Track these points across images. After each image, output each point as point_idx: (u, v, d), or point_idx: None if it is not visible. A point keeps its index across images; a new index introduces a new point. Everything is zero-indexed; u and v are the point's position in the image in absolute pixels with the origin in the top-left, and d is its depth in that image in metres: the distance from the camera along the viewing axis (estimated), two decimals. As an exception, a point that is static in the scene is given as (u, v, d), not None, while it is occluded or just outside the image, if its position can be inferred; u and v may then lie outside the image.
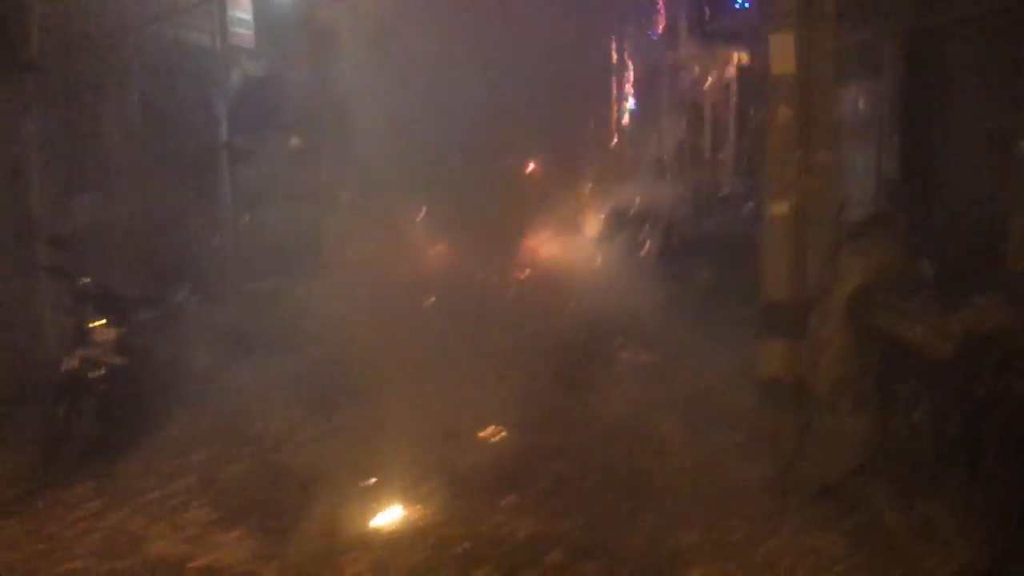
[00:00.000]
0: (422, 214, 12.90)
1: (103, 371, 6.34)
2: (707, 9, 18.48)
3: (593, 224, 16.78)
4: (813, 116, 6.02)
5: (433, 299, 9.91)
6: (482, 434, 6.84)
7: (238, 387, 7.97)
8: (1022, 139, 7.29)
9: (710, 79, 19.93)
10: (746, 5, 15.80)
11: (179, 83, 10.70)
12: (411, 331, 8.21)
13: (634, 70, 24.93)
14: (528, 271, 13.04)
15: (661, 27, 22.80)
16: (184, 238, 9.89)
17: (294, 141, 12.90)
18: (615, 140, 26.36)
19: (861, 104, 12.77)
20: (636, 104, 25.01)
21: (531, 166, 27.46)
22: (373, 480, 5.90)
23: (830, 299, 5.69)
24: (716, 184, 16.94)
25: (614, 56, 26.11)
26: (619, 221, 15.59)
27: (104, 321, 6.44)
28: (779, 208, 6.09)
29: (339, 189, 12.80)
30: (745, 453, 6.41)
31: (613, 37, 25.47)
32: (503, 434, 6.84)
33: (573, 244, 15.64)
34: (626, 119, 26.21)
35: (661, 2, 21.93)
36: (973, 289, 4.83)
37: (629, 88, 25.36)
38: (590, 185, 20.02)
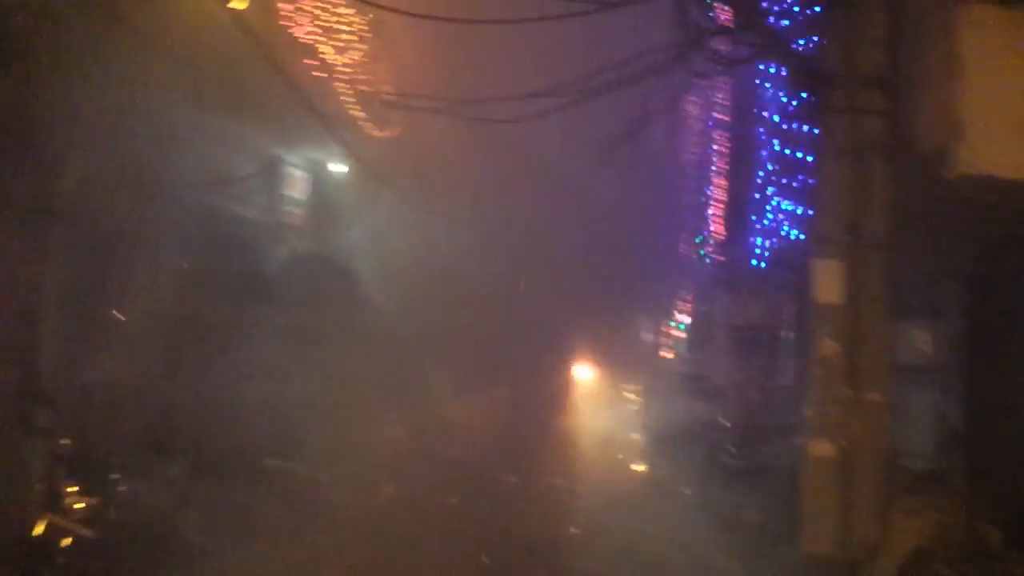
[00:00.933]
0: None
1: (70, 542, 5.76)
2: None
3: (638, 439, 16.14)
4: (862, 351, 5.47)
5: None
6: None
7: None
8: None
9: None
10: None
11: (222, 253, 10.70)
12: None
13: (687, 288, 24.88)
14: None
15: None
16: (197, 408, 9.49)
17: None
18: (669, 351, 25.97)
19: (924, 345, 12.17)
20: (691, 320, 24.81)
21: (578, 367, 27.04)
22: None
23: (880, 562, 4.91)
24: (772, 411, 16.19)
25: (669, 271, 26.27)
26: (664, 439, 14.89)
27: (77, 488, 5.92)
28: (820, 449, 5.44)
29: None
30: None
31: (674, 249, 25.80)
32: None
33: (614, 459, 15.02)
34: (681, 333, 25.90)
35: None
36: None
37: (683, 304, 25.23)
38: (638, 394, 19.47)
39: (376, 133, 14.00)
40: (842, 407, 5.44)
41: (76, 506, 5.88)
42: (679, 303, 25.92)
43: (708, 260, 22.59)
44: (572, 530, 10.02)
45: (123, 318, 8.65)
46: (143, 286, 9.26)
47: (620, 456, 14.54)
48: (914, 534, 4.74)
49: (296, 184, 13.25)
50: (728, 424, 13.49)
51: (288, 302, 12.06)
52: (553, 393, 19.86)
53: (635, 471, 13.49)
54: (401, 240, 14.31)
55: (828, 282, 5.65)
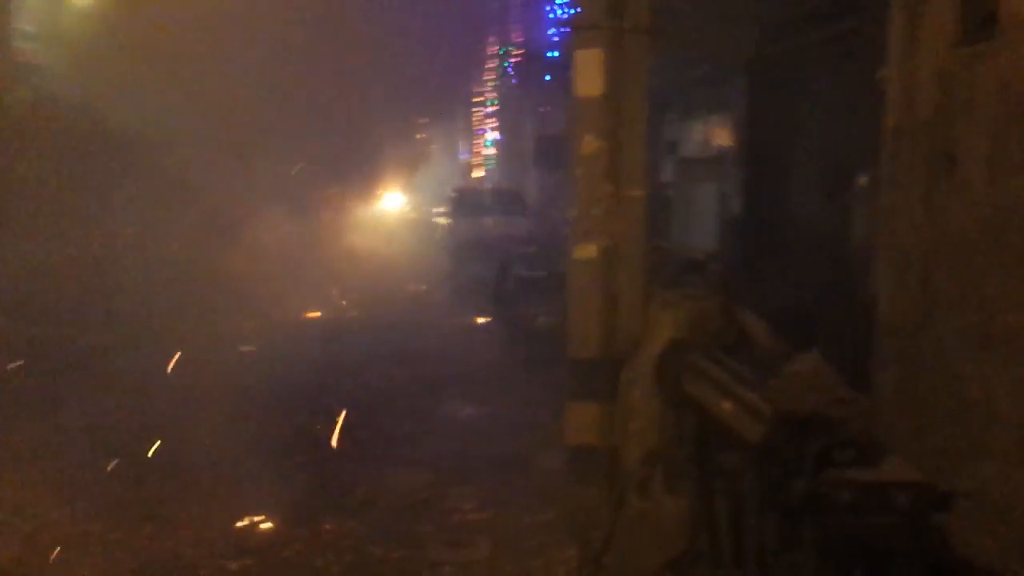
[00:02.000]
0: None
1: None
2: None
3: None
4: (623, 146, 5.17)
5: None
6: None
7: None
8: (863, 172, 6.70)
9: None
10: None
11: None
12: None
13: (498, 106, 24.32)
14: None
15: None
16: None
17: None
18: (476, 171, 25.68)
19: (706, 138, 12.30)
20: (500, 137, 24.41)
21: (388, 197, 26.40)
22: None
23: (639, 358, 4.81)
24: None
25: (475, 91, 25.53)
26: (466, 251, 14.76)
27: None
28: (584, 251, 5.20)
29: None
30: (551, 534, 5.48)
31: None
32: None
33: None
34: (491, 150, 25.58)
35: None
36: (817, 341, 4.05)
37: (492, 121, 24.75)
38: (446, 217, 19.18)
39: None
40: (605, 206, 5.17)
41: None
42: (487, 119, 25.51)
43: (510, 69, 22.11)
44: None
45: None
46: None
47: (420, 285, 14.28)
48: (668, 327, 4.61)
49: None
50: (526, 235, 13.49)
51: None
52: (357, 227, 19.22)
53: (425, 290, 13.29)
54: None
55: (588, 73, 5.23)
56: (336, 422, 7.72)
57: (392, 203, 26.95)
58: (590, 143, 5.20)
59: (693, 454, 4.52)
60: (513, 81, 22.19)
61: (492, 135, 25.43)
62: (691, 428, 4.53)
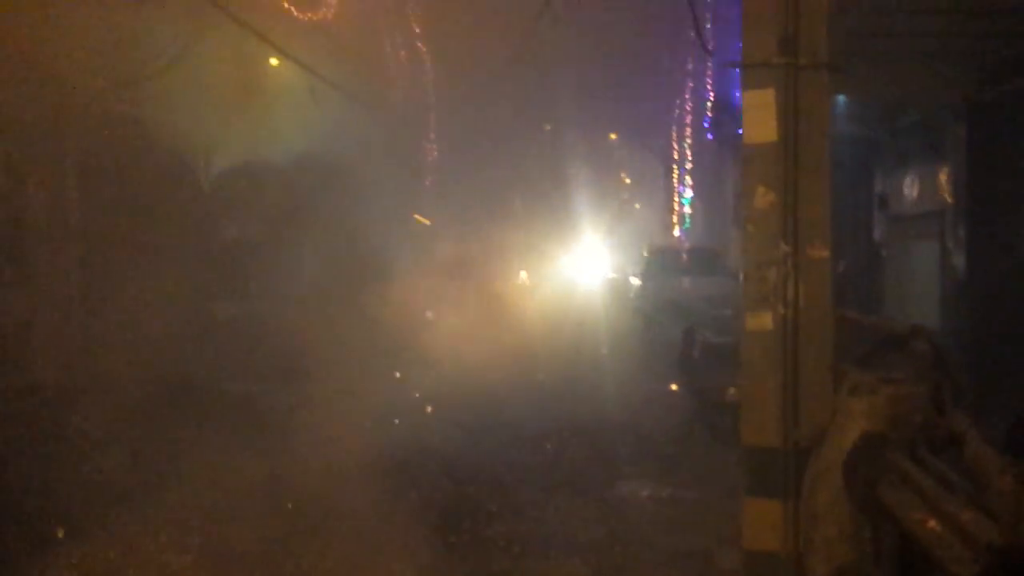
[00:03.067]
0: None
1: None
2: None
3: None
4: (803, 199, 4.43)
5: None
6: None
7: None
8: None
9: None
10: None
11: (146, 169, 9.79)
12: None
13: (692, 164, 23.54)
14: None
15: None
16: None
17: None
18: (674, 229, 24.90)
19: (922, 190, 11.01)
20: (693, 196, 23.58)
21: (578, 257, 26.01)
22: None
23: (826, 453, 4.00)
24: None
25: (674, 149, 24.88)
26: (656, 313, 14.03)
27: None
28: (758, 321, 4.47)
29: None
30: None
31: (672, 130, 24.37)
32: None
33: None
34: (687, 209, 24.77)
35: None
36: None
37: (688, 180, 23.96)
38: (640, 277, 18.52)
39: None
40: (781, 269, 4.43)
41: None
42: (685, 176, 24.74)
43: (706, 123, 21.30)
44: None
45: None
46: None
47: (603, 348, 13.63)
48: (864, 415, 3.77)
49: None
50: (722, 297, 12.56)
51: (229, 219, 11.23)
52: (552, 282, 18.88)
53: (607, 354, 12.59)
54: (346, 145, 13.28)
55: (758, 116, 4.55)
56: (500, 493, 7.27)
57: (592, 262, 26.71)
58: (763, 196, 4.49)
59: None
60: (708, 136, 21.36)
61: (689, 193, 24.58)
62: (891, 545, 3.66)
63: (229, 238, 11.32)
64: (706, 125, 21.07)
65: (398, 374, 10.59)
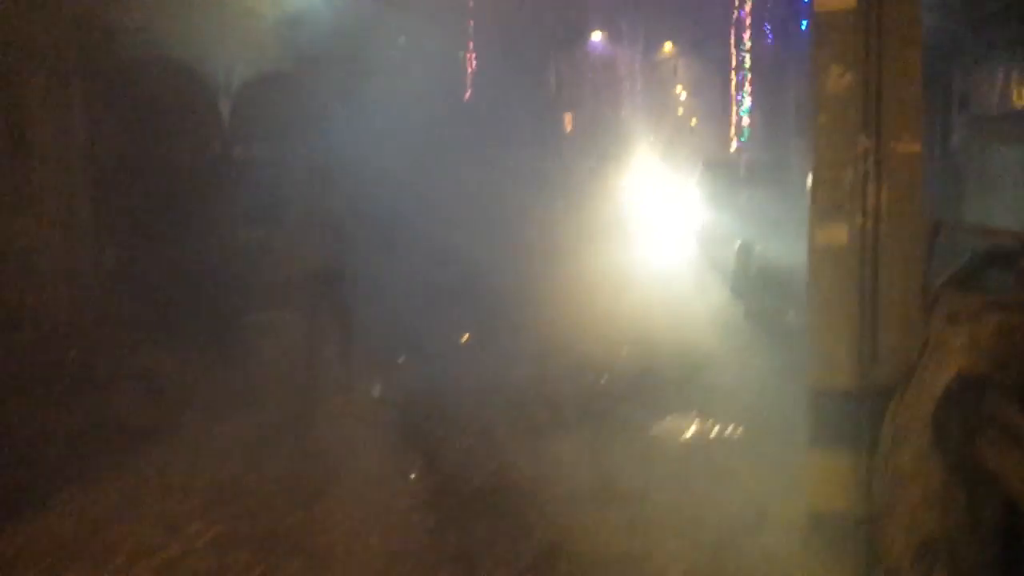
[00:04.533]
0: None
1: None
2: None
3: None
4: (887, 81, 3.57)
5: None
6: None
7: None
8: None
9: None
10: None
11: (158, 84, 9.12)
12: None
13: (752, 64, 22.06)
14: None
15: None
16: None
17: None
18: (732, 142, 23.65)
19: (1009, 89, 9.82)
20: (755, 103, 22.19)
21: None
22: None
23: (912, 398, 3.23)
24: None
25: (732, 53, 23.42)
26: (712, 230, 13.14)
27: None
28: (829, 234, 3.67)
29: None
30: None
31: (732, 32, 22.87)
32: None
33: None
34: (746, 120, 23.41)
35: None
36: None
37: (747, 87, 22.55)
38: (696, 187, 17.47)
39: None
40: (859, 168, 3.61)
41: None
42: (744, 86, 23.37)
43: (767, 26, 19.89)
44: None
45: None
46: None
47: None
48: (962, 351, 2.98)
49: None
50: (780, 211, 11.60)
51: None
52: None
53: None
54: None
55: (832, -20, 3.68)
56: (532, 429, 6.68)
57: (647, 179, 25.49)
58: (838, 77, 3.64)
59: (997, 555, 2.90)
60: (769, 40, 19.94)
61: (748, 102, 23.20)
62: (991, 514, 2.91)
63: (250, 158, 10.61)
64: (766, 28, 19.66)
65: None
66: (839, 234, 3.65)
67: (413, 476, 6.00)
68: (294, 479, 5.90)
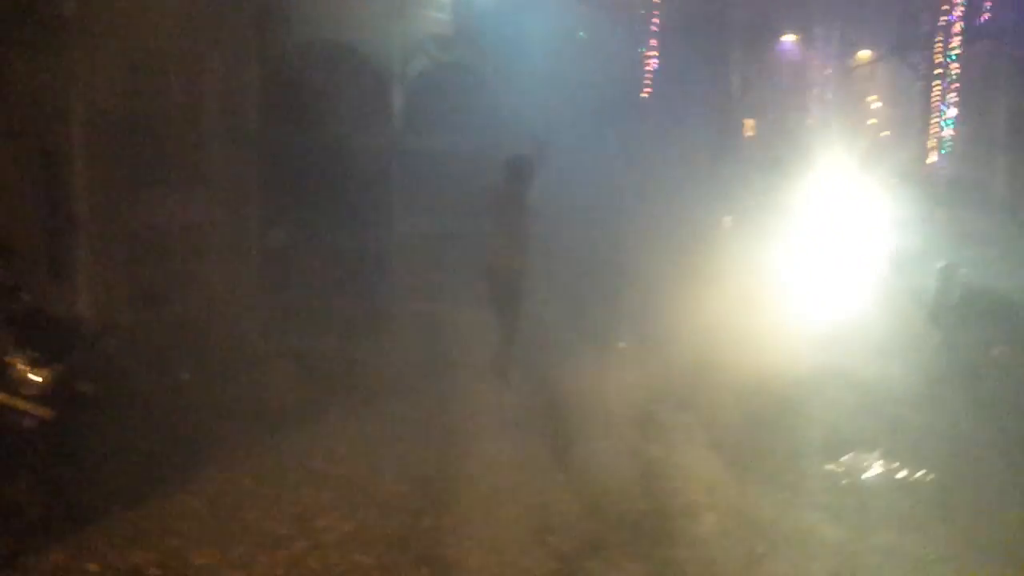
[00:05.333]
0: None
1: (22, 422, 4.64)
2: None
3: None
4: None
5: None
6: None
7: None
8: None
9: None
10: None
11: (332, 71, 9.16)
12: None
13: (960, 70, 20.15)
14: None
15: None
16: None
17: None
18: (930, 156, 21.75)
19: None
20: (957, 117, 20.28)
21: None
22: None
23: None
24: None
25: (937, 58, 21.53)
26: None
27: (32, 355, 4.72)
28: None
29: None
30: None
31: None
32: None
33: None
34: (947, 132, 21.49)
35: None
36: None
37: (951, 93, 20.65)
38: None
39: None
40: None
41: (32, 378, 4.68)
42: (948, 93, 21.43)
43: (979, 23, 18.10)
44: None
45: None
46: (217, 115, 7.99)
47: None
48: None
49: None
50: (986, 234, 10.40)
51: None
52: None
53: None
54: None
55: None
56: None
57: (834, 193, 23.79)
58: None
59: None
60: (979, 39, 18.13)
61: (952, 112, 21.27)
62: None
63: (422, 148, 10.49)
64: (979, 24, 17.88)
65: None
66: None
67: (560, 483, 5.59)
68: (433, 480, 5.61)
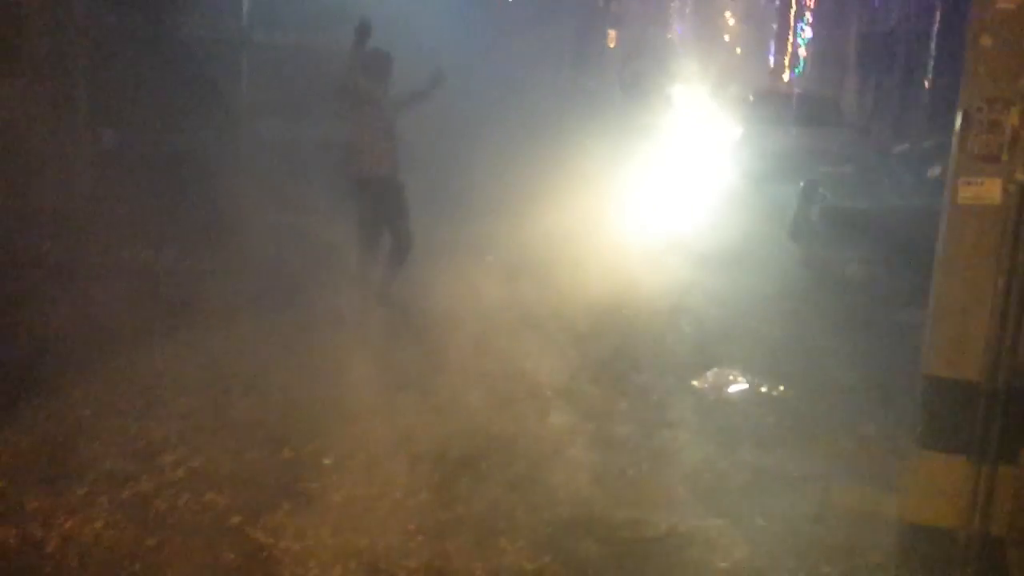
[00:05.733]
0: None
1: None
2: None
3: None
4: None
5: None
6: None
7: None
8: None
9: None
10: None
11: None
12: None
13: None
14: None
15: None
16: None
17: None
18: (785, 73, 22.33)
19: None
20: (813, 33, 20.80)
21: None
22: None
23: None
24: (903, 138, 13.04)
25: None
26: (762, 167, 12.24)
27: None
28: (977, 191, 2.87)
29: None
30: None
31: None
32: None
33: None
34: (802, 51, 22.05)
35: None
36: None
37: (807, 13, 21.13)
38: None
39: None
40: (1019, 108, 2.80)
41: None
42: (804, 12, 21.94)
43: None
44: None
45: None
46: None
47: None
48: None
49: None
50: (840, 152, 10.72)
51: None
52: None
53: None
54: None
55: None
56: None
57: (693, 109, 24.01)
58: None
59: None
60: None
61: (808, 32, 21.81)
62: None
63: (275, 43, 9.70)
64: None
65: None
66: (990, 191, 2.85)
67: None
68: (294, 406, 5.25)
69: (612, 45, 28.61)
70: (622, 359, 6.49)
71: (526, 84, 13.39)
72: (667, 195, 11.97)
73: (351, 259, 7.19)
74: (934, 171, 8.43)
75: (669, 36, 34.61)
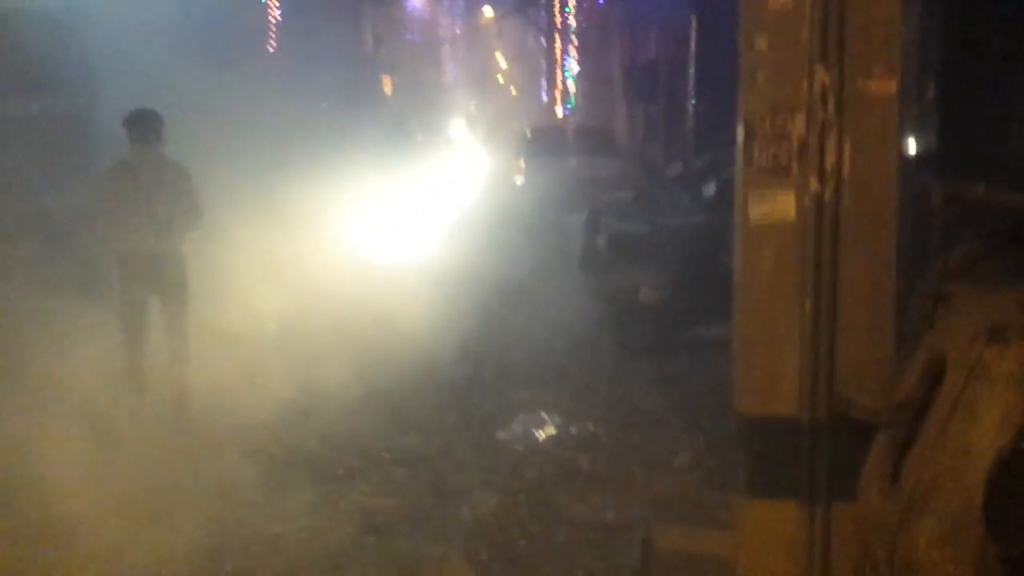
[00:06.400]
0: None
1: None
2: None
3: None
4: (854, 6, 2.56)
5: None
6: None
7: None
8: None
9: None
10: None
11: None
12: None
13: (578, 27, 21.28)
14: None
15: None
16: None
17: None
18: (557, 108, 22.93)
19: None
20: (580, 68, 21.49)
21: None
22: None
23: (942, 454, 2.22)
24: (677, 161, 13.43)
25: (557, 16, 22.59)
26: (543, 198, 12.24)
27: None
28: (769, 207, 2.63)
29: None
30: None
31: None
32: None
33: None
34: (571, 87, 22.74)
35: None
36: None
37: (572, 49, 21.81)
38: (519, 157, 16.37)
39: None
40: (815, 113, 2.58)
41: None
42: (569, 48, 22.66)
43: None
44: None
45: None
46: None
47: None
48: (1016, 390, 1.99)
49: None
50: (618, 179, 10.88)
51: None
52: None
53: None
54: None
55: None
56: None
57: (467, 152, 24.08)
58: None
59: None
60: (599, 1, 19.25)
61: (574, 67, 22.50)
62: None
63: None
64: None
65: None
66: (783, 206, 2.61)
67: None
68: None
69: (388, 90, 28.40)
70: (424, 419, 5.99)
71: (295, 134, 12.71)
72: (452, 229, 11.73)
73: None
74: (709, 189, 8.56)
75: (443, 79, 34.91)
